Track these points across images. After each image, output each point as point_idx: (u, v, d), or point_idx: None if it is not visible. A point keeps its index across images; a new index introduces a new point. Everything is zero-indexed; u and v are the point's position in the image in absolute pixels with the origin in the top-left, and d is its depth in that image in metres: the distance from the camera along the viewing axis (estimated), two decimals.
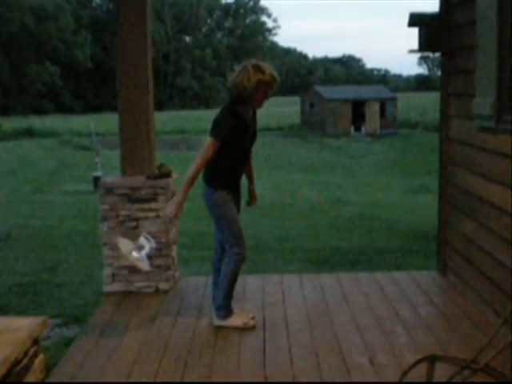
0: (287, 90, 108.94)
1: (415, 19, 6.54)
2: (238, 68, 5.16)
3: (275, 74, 5.14)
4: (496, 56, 5.15)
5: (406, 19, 6.55)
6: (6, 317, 3.81)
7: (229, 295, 5.38)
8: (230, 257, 5.29)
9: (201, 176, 5.19)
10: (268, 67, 5.13)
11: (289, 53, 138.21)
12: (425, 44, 6.57)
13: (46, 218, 14.38)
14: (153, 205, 6.26)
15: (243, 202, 5.55)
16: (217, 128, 5.07)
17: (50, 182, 22.78)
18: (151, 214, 6.26)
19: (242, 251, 5.28)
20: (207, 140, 5.09)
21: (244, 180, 5.48)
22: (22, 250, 10.58)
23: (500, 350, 3.32)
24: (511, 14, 5.05)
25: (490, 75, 5.26)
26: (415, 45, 6.64)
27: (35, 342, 3.07)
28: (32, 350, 3.10)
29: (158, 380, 4.46)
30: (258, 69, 5.08)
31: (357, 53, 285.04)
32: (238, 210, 5.43)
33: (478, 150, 5.77)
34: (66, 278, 8.56)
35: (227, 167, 5.21)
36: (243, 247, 5.29)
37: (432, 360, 3.52)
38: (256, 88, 5.06)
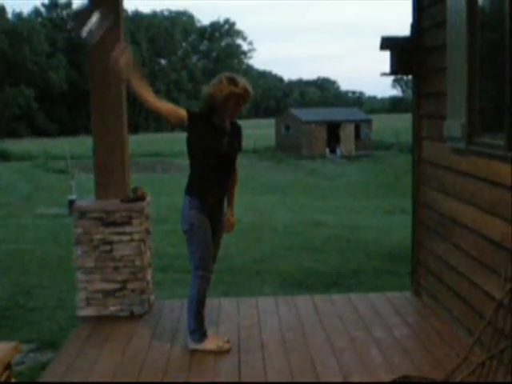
0: (263, 112, 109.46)
1: (387, 43, 6.62)
2: (213, 80, 5.24)
3: (249, 87, 5.19)
4: (466, 79, 5.23)
5: (379, 42, 6.63)
6: None
7: (199, 318, 5.35)
8: (194, 279, 5.29)
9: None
10: (242, 80, 5.19)
11: (264, 75, 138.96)
12: (396, 67, 6.65)
13: (20, 242, 14.25)
14: (127, 228, 6.23)
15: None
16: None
17: (24, 206, 22.61)
18: (125, 238, 6.23)
19: (207, 274, 5.27)
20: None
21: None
22: None
23: (473, 370, 3.35)
24: (481, 38, 5.15)
25: (461, 98, 5.34)
26: (388, 67, 6.72)
27: (7, 367, 3.04)
28: (4, 376, 3.07)
29: None
30: (231, 81, 5.14)
31: (331, 75, 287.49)
32: (219, 232, 5.43)
33: (449, 172, 5.83)
34: (40, 303, 8.49)
35: (203, 173, 5.22)
36: (208, 270, 5.28)
37: (406, 380, 3.54)
38: (227, 99, 5.10)
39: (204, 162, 5.22)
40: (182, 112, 5.19)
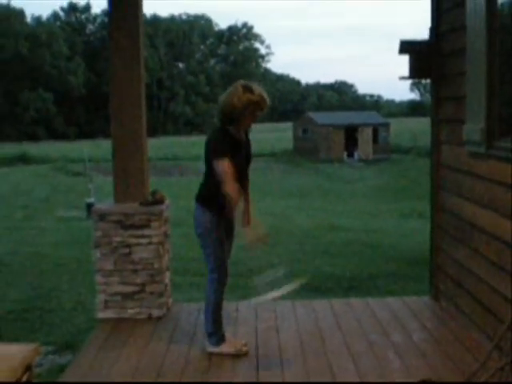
0: (280, 115, 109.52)
1: (406, 46, 6.61)
2: (229, 89, 5.22)
3: (265, 95, 5.16)
4: (485, 83, 5.21)
5: (397, 45, 6.63)
6: None
7: (216, 321, 5.36)
8: (210, 282, 5.31)
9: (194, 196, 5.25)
10: (258, 88, 5.16)
11: (281, 79, 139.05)
12: (415, 71, 6.64)
13: (39, 245, 14.34)
14: (146, 231, 6.26)
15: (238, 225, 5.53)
16: (215, 151, 5.08)
17: (42, 209, 22.74)
18: (144, 241, 6.26)
19: (222, 277, 5.29)
20: (216, 164, 5.06)
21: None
22: (14, 277, 10.55)
23: (492, 374, 3.34)
24: (500, 42, 5.13)
25: (480, 102, 5.32)
26: (407, 71, 6.71)
27: (27, 369, 3.06)
28: (24, 377, 3.09)
29: None
30: (247, 89, 5.12)
31: (349, 78, 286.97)
32: (230, 237, 5.44)
33: (468, 176, 5.82)
34: (59, 305, 8.54)
35: (218, 186, 5.15)
36: (223, 273, 5.29)
37: None
38: (245, 107, 5.07)
39: None
40: (226, 163, 5.05)
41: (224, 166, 5.02)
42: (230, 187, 4.99)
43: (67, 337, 6.99)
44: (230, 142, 5.14)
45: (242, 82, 5.24)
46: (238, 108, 5.07)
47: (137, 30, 6.43)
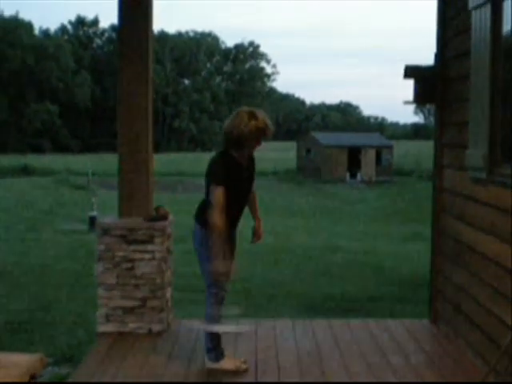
0: (284, 135, 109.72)
1: (410, 71, 6.69)
2: (233, 115, 5.27)
3: (268, 121, 5.24)
4: (488, 109, 5.28)
5: (402, 68, 6.71)
6: (3, 353, 3.84)
7: (215, 337, 5.39)
8: (209, 297, 5.34)
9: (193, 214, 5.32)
10: (261, 114, 5.23)
11: (287, 98, 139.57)
12: (419, 96, 6.71)
13: (40, 257, 14.39)
14: (149, 246, 6.31)
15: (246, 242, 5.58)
16: (214, 175, 5.15)
17: (45, 221, 22.77)
18: (147, 256, 6.31)
19: (220, 292, 5.32)
20: (211, 189, 5.13)
21: (243, 225, 5.54)
22: (16, 288, 10.59)
23: None
24: (503, 69, 5.20)
25: (483, 128, 5.38)
26: (411, 94, 6.78)
27: (32, 378, 3.11)
28: None
29: None
30: (252, 116, 5.18)
31: (354, 100, 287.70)
32: (231, 254, 5.48)
33: (469, 201, 5.87)
34: (59, 318, 8.57)
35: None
36: (222, 288, 5.32)
37: None
38: (252, 134, 5.14)
39: (227, 199, 5.20)
40: (220, 191, 5.09)
41: (218, 195, 5.07)
42: (217, 216, 5.03)
43: (67, 349, 7.02)
44: (231, 167, 5.21)
45: (245, 108, 5.31)
46: (245, 135, 5.13)
47: (146, 46, 6.50)
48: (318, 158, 52.78)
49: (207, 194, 5.26)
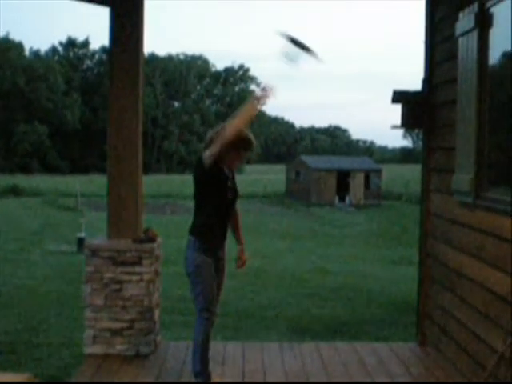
0: (273, 158, 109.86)
1: (398, 96, 6.77)
2: (216, 127, 5.37)
3: (251, 136, 5.33)
4: (474, 135, 5.35)
5: (391, 93, 6.78)
6: None
7: (204, 360, 5.38)
8: (199, 321, 5.35)
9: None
10: (244, 129, 5.26)
11: (276, 121, 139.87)
12: (407, 120, 6.79)
13: (28, 278, 14.31)
14: (137, 268, 6.32)
15: (231, 265, 5.62)
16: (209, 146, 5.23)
17: (33, 242, 22.66)
18: (135, 278, 6.31)
19: (211, 316, 5.34)
20: (213, 145, 5.16)
21: (230, 247, 5.57)
22: (2, 309, 10.52)
23: None
24: (490, 96, 5.28)
25: (469, 153, 5.45)
26: (399, 118, 6.85)
27: None
28: None
29: None
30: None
31: (343, 123, 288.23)
32: (220, 277, 5.50)
33: (456, 225, 5.92)
34: (46, 339, 8.51)
35: (209, 216, 5.31)
36: (212, 312, 5.34)
37: None
38: (232, 144, 5.17)
39: (212, 205, 5.31)
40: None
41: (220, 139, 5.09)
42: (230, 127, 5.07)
43: (54, 371, 6.96)
44: (217, 167, 5.26)
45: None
46: (225, 145, 5.14)
47: (137, 68, 6.54)
48: (307, 182, 52.85)
49: (198, 205, 5.38)
